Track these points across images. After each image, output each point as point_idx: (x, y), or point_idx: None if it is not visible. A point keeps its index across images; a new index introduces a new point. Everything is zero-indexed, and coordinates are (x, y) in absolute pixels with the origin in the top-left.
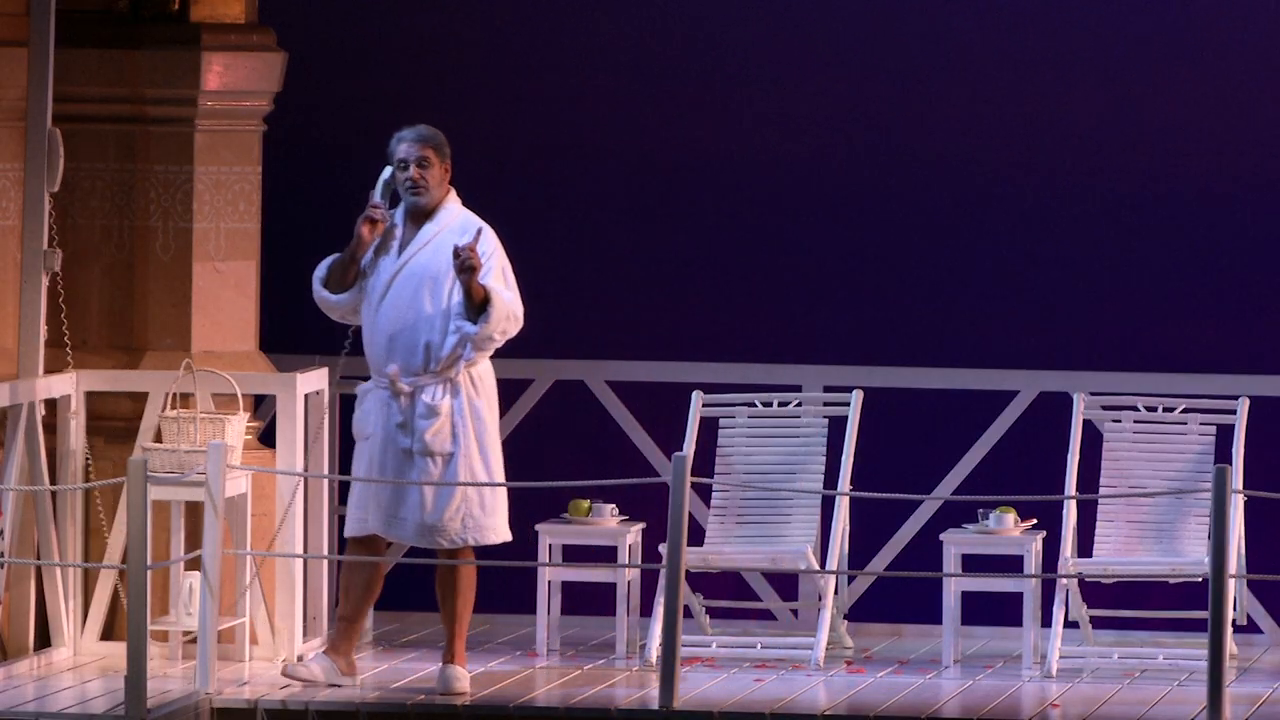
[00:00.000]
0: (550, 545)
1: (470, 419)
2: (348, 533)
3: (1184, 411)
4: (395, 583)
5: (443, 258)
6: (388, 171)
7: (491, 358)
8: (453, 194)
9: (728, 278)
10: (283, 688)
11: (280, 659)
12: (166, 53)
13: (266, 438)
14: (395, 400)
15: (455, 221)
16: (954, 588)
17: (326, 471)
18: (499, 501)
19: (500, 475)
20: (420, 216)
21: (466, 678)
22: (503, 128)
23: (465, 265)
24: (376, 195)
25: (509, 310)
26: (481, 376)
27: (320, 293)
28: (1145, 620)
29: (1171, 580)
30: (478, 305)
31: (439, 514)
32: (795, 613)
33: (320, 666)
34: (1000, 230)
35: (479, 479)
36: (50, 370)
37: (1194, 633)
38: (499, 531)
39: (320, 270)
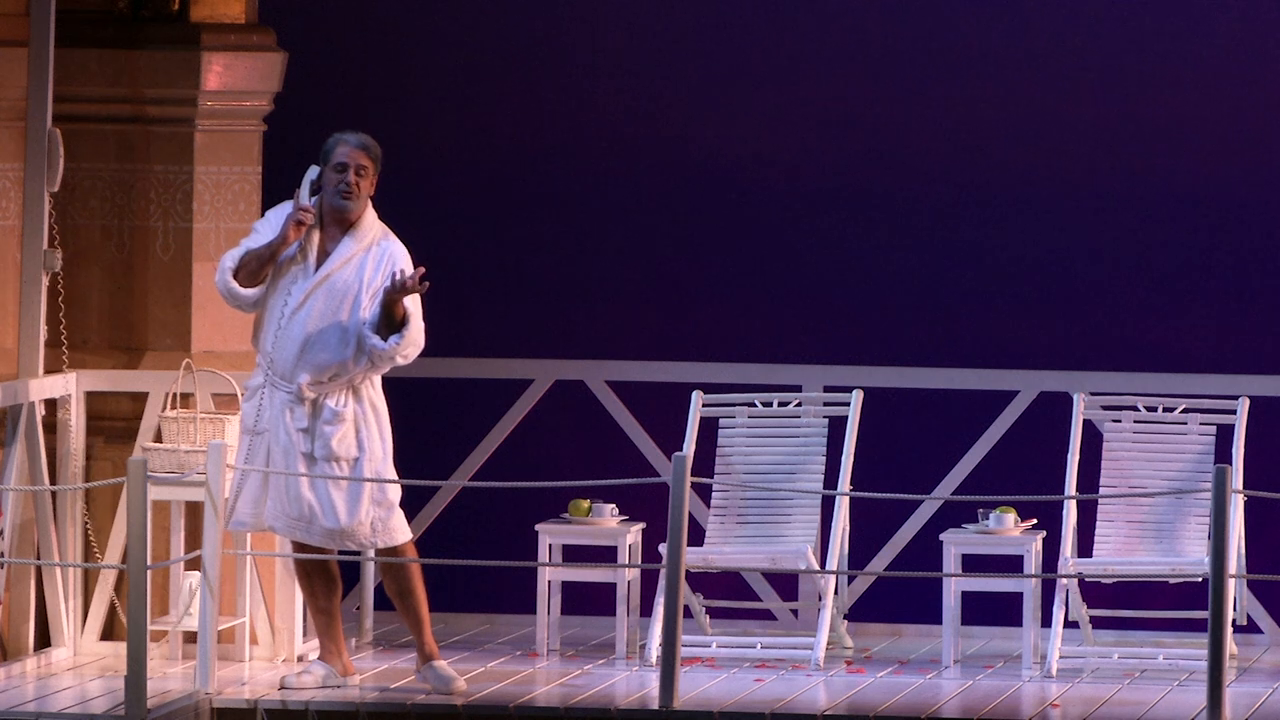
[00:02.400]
0: (550, 545)
1: (374, 421)
2: (234, 526)
3: (1184, 411)
4: None
5: (363, 274)
6: (314, 171)
7: (492, 358)
8: (369, 205)
9: (728, 278)
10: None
11: (280, 659)
12: (166, 53)
13: None
14: (299, 405)
15: (373, 237)
16: (954, 588)
17: None
18: (397, 499)
19: (394, 473)
20: (339, 223)
21: (450, 668)
22: (502, 127)
23: (403, 289)
24: (305, 196)
25: (418, 338)
26: (374, 378)
27: (229, 284)
28: (1145, 620)
29: (1171, 580)
30: (395, 324)
31: (351, 519)
32: (795, 613)
33: (317, 673)
34: (1000, 230)
35: (385, 479)
36: (50, 370)
37: (1194, 633)
38: (403, 530)
39: (230, 260)
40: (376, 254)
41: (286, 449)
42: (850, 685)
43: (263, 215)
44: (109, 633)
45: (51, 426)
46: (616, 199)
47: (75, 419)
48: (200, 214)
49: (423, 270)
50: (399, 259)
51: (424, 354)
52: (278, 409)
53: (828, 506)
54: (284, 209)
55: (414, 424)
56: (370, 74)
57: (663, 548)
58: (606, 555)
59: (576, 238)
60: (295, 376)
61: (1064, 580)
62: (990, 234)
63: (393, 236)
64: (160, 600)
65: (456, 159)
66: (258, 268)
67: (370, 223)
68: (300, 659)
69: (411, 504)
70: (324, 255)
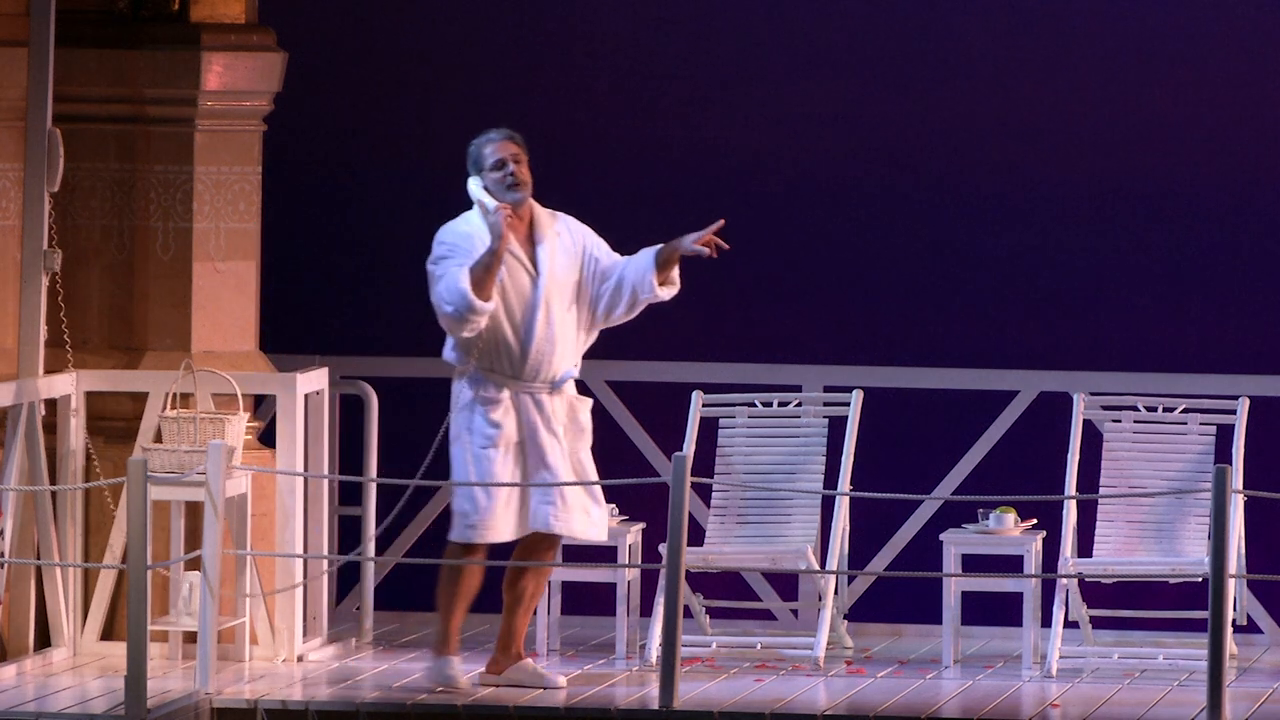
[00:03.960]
0: None
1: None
2: (495, 538)
3: (1184, 411)
4: (396, 583)
5: (570, 263)
6: (475, 183)
7: None
8: None
9: (728, 278)
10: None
11: (280, 659)
12: (166, 53)
13: (266, 438)
14: (555, 402)
15: (554, 222)
16: (954, 588)
17: (326, 471)
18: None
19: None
20: (518, 218)
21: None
22: (502, 126)
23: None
24: (491, 202)
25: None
26: None
27: (474, 302)
28: (1145, 620)
29: (1171, 580)
30: (665, 274)
31: (580, 504)
32: (795, 613)
33: (532, 673)
34: (1000, 230)
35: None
36: (50, 370)
37: (1194, 633)
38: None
39: (462, 281)
40: (565, 232)
41: (549, 448)
42: (850, 685)
43: (263, 215)
44: (109, 633)
45: (51, 426)
46: (616, 199)
47: (75, 419)
48: (200, 214)
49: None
50: (576, 226)
51: (424, 354)
52: (517, 412)
53: (828, 506)
54: (461, 229)
55: (414, 424)
56: (370, 74)
57: (663, 548)
58: (606, 555)
59: None
60: (554, 375)
61: (1064, 580)
62: (990, 234)
63: (559, 213)
64: (160, 600)
65: (456, 158)
66: (485, 276)
67: (539, 209)
68: (300, 659)
69: (412, 504)
70: (530, 254)
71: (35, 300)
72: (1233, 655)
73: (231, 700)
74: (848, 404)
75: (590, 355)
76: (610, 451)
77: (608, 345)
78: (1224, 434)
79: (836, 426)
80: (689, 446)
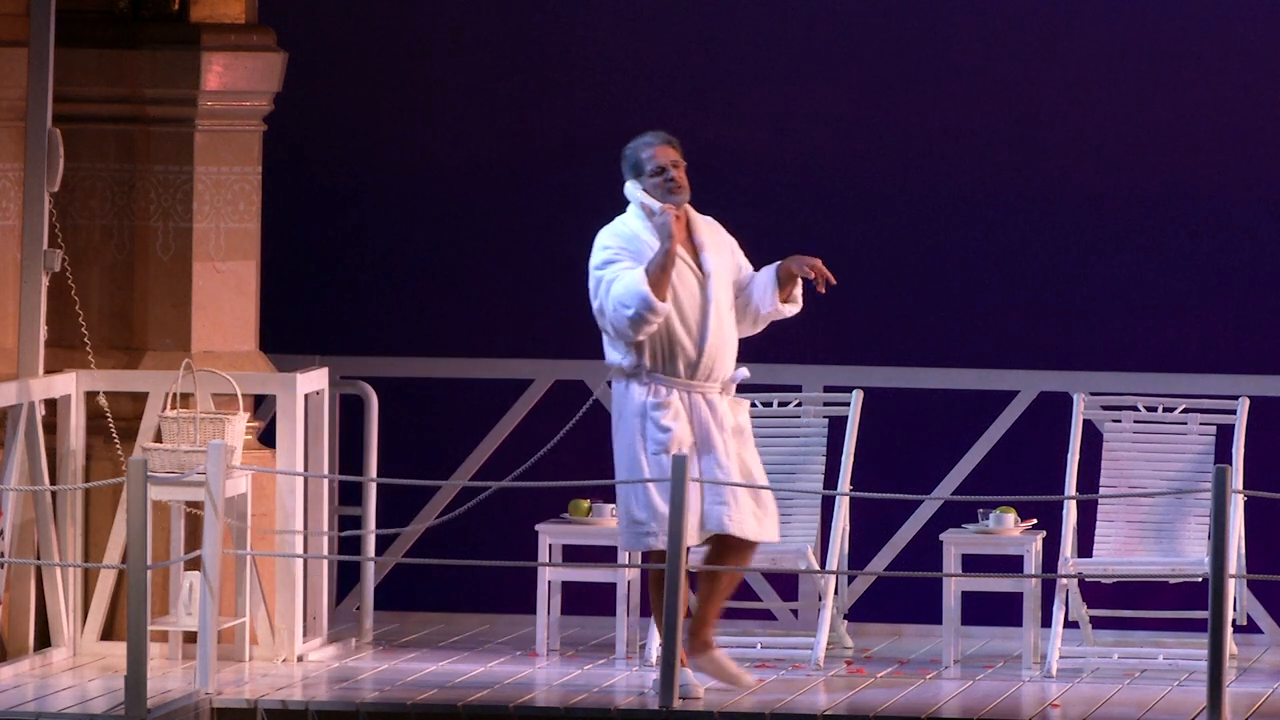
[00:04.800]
0: (550, 545)
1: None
2: (664, 545)
3: (1184, 411)
4: (396, 583)
5: (728, 265)
6: (635, 188)
7: (492, 358)
8: None
9: None
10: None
11: (280, 659)
12: (166, 53)
13: (266, 438)
14: (709, 404)
15: (711, 225)
16: (954, 588)
17: (326, 471)
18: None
19: None
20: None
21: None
22: (503, 126)
23: (793, 275)
24: (655, 203)
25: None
26: None
27: (654, 302)
28: (1145, 620)
29: (1171, 580)
30: (785, 291)
31: (770, 504)
32: (795, 613)
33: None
34: (1000, 230)
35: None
36: (50, 370)
37: (1194, 633)
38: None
39: (641, 287)
40: (721, 235)
41: (721, 448)
42: (850, 685)
43: (263, 215)
44: (109, 633)
45: (51, 426)
46: (617, 199)
47: (75, 419)
48: (200, 214)
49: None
50: (723, 231)
51: (424, 354)
52: (704, 412)
53: (828, 506)
54: (622, 230)
55: (414, 424)
56: (370, 74)
57: None
58: (606, 555)
59: (577, 238)
60: (725, 375)
61: (1064, 580)
62: (990, 234)
63: (709, 218)
64: (160, 600)
65: (457, 158)
66: (661, 277)
67: (694, 212)
68: (300, 659)
69: (412, 504)
70: (694, 255)
71: (35, 300)
72: (1233, 655)
73: (231, 700)
74: (848, 404)
75: (590, 355)
76: (610, 451)
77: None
78: (1224, 434)
79: (836, 426)
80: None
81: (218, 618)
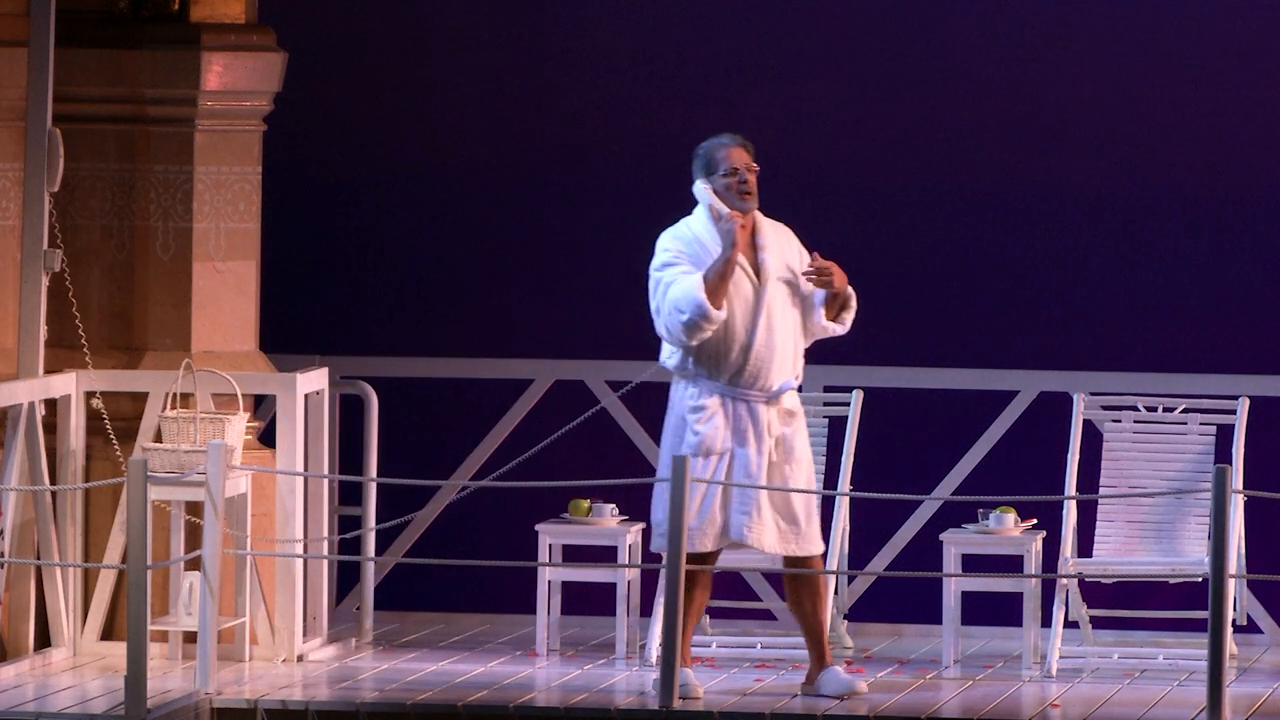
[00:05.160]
0: (550, 545)
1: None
2: (704, 547)
3: (1184, 411)
4: (396, 583)
5: (791, 262)
6: (703, 187)
7: (492, 358)
8: None
9: None
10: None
11: (280, 659)
12: (166, 53)
13: (266, 438)
14: (772, 410)
15: (776, 230)
16: (954, 588)
17: (326, 471)
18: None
19: None
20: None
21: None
22: (503, 126)
23: (819, 276)
24: (723, 208)
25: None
26: None
27: (709, 311)
28: (1145, 620)
29: (1171, 580)
30: (836, 302)
31: (804, 519)
32: None
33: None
34: (1000, 230)
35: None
36: (50, 370)
37: (1194, 633)
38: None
39: (698, 294)
40: (786, 241)
41: (754, 458)
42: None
43: (263, 215)
44: (109, 633)
45: (51, 427)
46: (617, 199)
47: (74, 419)
48: (200, 214)
49: (817, 261)
50: (793, 237)
51: (424, 354)
52: (744, 420)
53: (828, 506)
54: (684, 233)
55: (414, 424)
56: (370, 74)
57: None
58: (606, 555)
59: (577, 238)
60: (771, 385)
61: (1064, 580)
62: (990, 234)
63: (777, 222)
64: (160, 600)
65: (457, 158)
66: (720, 285)
67: (760, 216)
68: (300, 659)
69: (412, 504)
70: (753, 261)
71: (35, 300)
72: (1233, 655)
73: (231, 700)
74: (848, 404)
75: (590, 355)
76: (610, 451)
77: (608, 345)
78: (1224, 434)
79: (836, 426)
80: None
81: (218, 618)
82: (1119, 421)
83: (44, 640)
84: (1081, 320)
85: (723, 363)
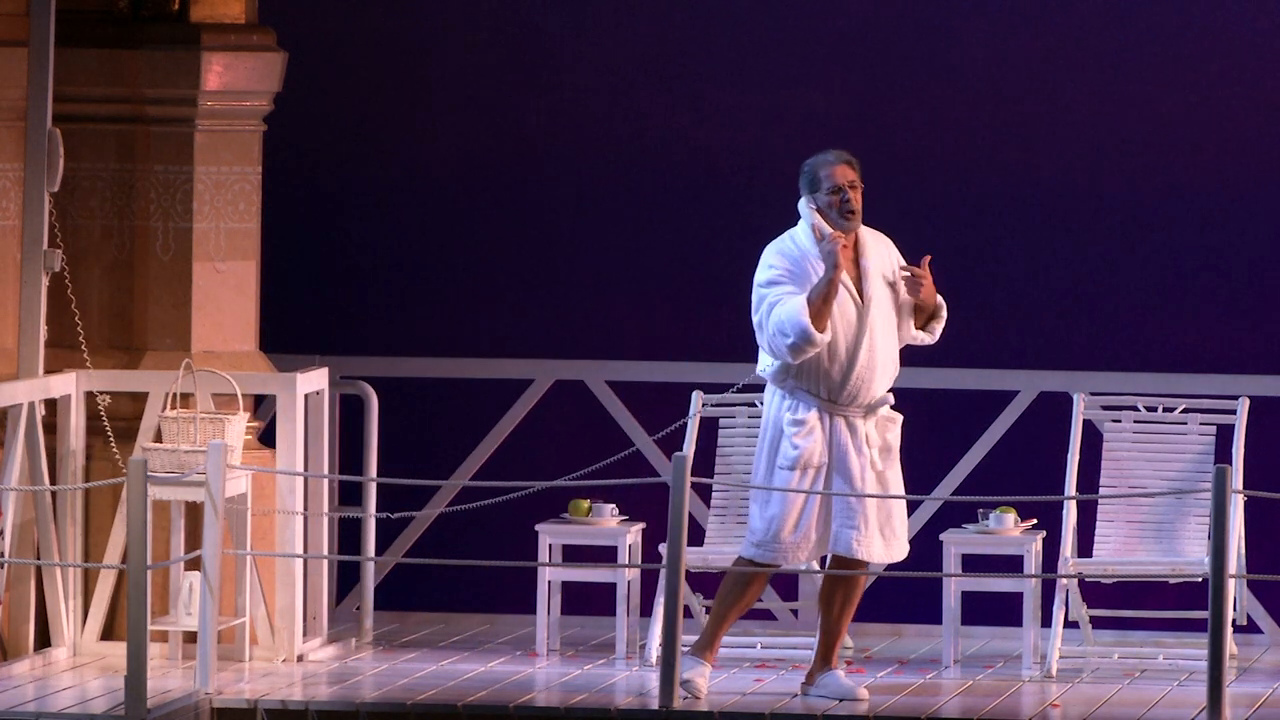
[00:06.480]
0: (550, 545)
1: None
2: (797, 561)
3: (1184, 411)
4: (396, 583)
5: (885, 281)
6: (807, 204)
7: (492, 358)
8: None
9: (727, 278)
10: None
11: (280, 659)
12: (166, 53)
13: (266, 438)
14: (869, 425)
15: (878, 244)
16: (954, 588)
17: (326, 471)
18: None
19: None
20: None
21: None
22: (503, 127)
23: (916, 286)
24: (826, 228)
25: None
26: None
27: (813, 335)
28: (1145, 620)
29: (1171, 580)
30: (926, 311)
31: (899, 524)
32: (795, 613)
33: (704, 671)
34: (1000, 231)
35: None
36: (50, 370)
37: (1194, 633)
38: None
39: (803, 319)
40: (887, 254)
41: (857, 472)
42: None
43: (263, 215)
44: (109, 633)
45: (51, 426)
46: (617, 199)
47: (75, 419)
48: (200, 214)
49: (916, 268)
50: (893, 247)
51: (424, 354)
52: (844, 434)
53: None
54: (790, 250)
55: (414, 424)
56: (370, 74)
57: (663, 548)
58: (606, 555)
59: (577, 238)
60: (870, 400)
61: (1064, 580)
62: (990, 234)
63: (879, 234)
64: (160, 600)
65: (458, 158)
66: (824, 308)
67: (863, 230)
68: (300, 659)
69: (412, 504)
70: (856, 278)
71: (35, 300)
72: (1233, 655)
73: (231, 700)
74: None
75: (590, 355)
76: (610, 452)
77: (608, 345)
78: (1224, 434)
79: None
80: (689, 446)
81: (218, 618)
82: (1119, 421)
83: (44, 640)
84: (1081, 320)
85: (824, 380)
